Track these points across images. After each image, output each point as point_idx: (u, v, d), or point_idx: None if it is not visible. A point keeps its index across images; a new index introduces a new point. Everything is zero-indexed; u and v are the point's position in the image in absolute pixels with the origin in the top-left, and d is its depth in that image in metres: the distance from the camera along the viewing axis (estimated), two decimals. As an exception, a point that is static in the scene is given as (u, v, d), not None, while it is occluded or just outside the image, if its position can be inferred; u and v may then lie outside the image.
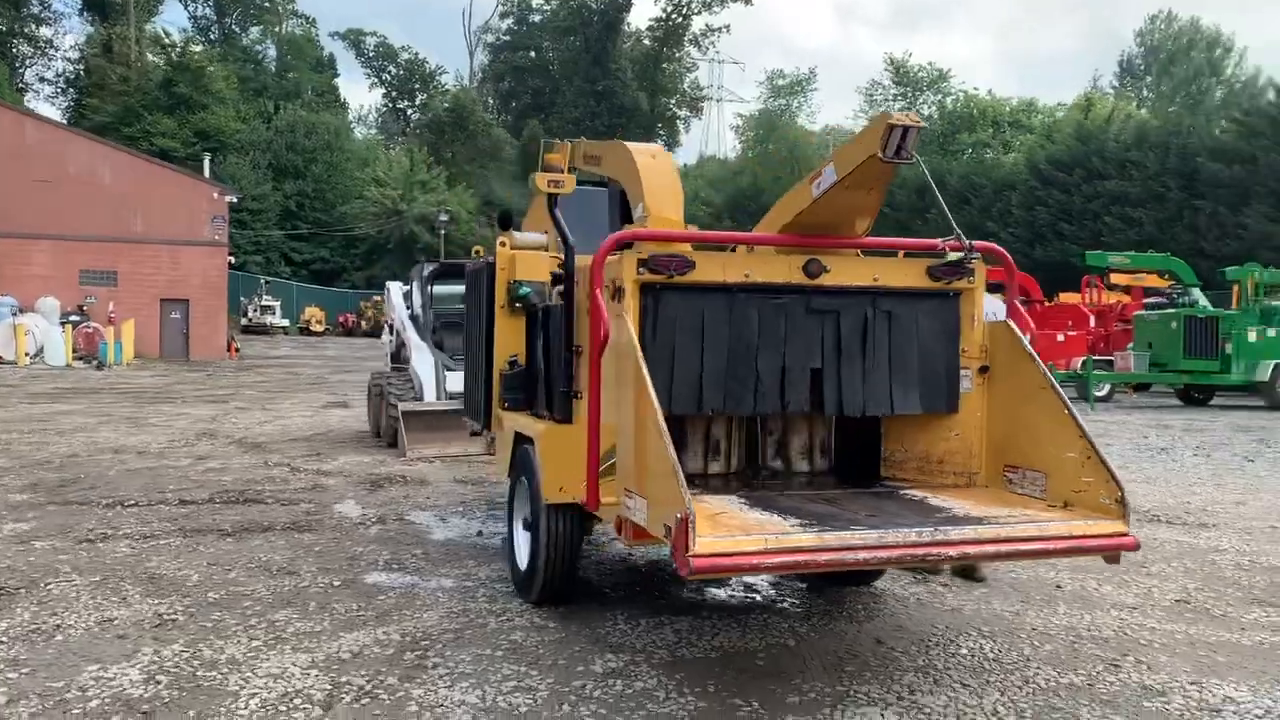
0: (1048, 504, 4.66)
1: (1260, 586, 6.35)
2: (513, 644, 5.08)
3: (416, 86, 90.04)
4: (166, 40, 72.78)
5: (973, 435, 5.22)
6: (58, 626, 5.35)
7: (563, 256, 5.66)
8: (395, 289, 14.53)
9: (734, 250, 5.59)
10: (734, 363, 4.90)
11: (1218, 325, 19.68)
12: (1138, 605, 5.90)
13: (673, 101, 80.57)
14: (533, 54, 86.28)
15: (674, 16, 75.81)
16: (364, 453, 12.27)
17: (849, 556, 4.01)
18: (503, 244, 6.80)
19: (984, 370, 5.20)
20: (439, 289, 13.76)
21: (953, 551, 4.09)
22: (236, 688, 4.47)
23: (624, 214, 7.18)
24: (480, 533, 7.68)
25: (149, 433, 14.43)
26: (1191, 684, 4.64)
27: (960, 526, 4.18)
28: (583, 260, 6.88)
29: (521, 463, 5.95)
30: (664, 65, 78.06)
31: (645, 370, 4.30)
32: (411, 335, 13.17)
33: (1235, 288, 23.19)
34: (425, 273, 13.23)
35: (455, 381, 12.82)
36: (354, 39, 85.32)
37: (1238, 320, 19.95)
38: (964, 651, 5.06)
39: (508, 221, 7.06)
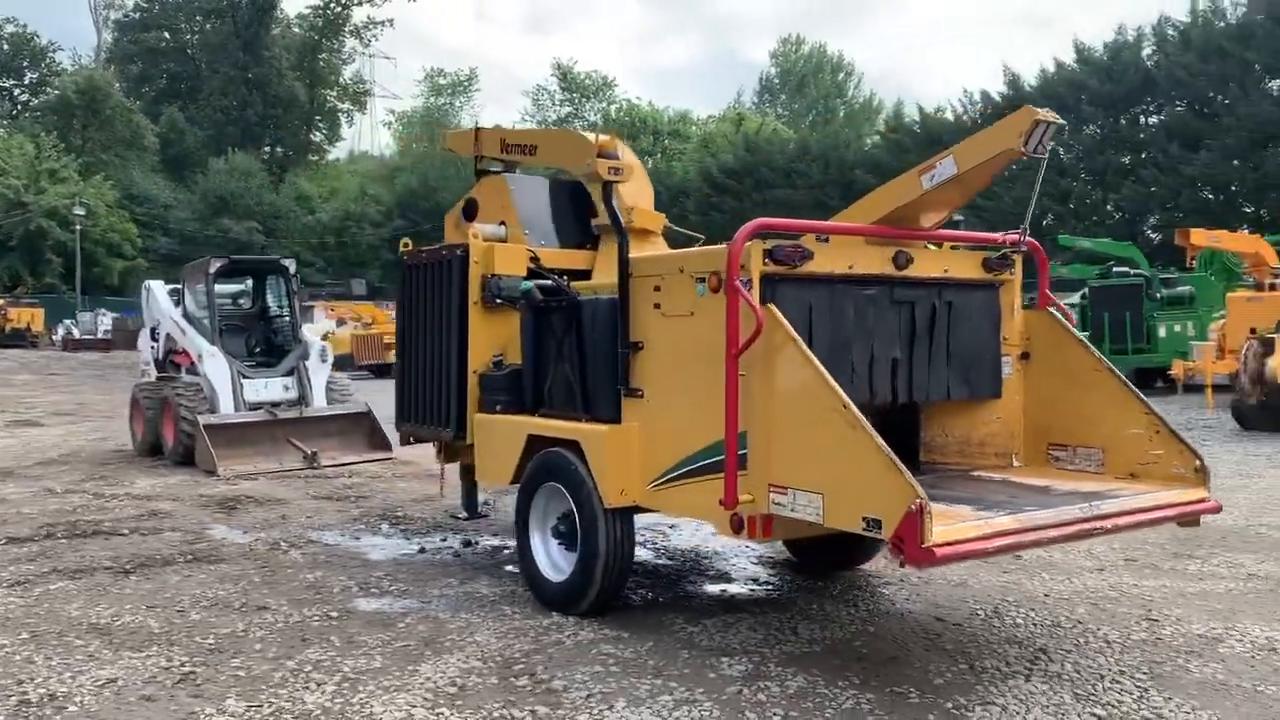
0: (1115, 477, 5.07)
1: (1170, 541, 7.19)
2: (615, 657, 4.77)
3: (25, 64, 79.89)
4: None
5: (1013, 418, 5.56)
6: (49, 696, 4.36)
7: (619, 249, 5.37)
8: (159, 288, 12.94)
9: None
10: (834, 353, 4.90)
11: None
12: (1102, 568, 6.53)
13: (333, 94, 77.16)
14: (168, 35, 79.34)
15: (333, 5, 72.64)
16: (157, 474, 10.82)
17: (1043, 536, 4.17)
18: (474, 236, 6.33)
19: (1024, 357, 5.56)
20: (217, 288, 12.44)
21: (1108, 524, 4.37)
22: (380, 739, 3.89)
23: (581, 205, 6.91)
24: (423, 549, 7.07)
25: None
26: (1230, 629, 5.23)
27: (1106, 501, 4.47)
28: (549, 253, 6.59)
29: (550, 468, 5.57)
30: (322, 56, 74.57)
31: (818, 362, 4.23)
32: (196, 339, 11.77)
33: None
34: (212, 269, 11.87)
35: (252, 390, 11.69)
36: (-54, 6, 74.30)
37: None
38: (1022, 622, 5.39)
39: (473, 212, 6.58)
